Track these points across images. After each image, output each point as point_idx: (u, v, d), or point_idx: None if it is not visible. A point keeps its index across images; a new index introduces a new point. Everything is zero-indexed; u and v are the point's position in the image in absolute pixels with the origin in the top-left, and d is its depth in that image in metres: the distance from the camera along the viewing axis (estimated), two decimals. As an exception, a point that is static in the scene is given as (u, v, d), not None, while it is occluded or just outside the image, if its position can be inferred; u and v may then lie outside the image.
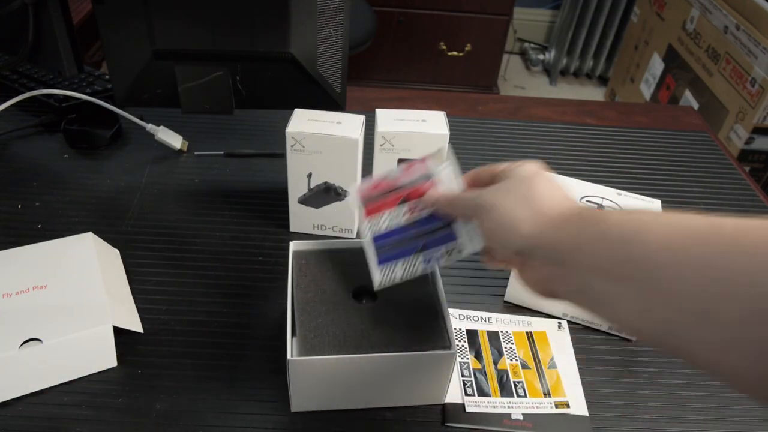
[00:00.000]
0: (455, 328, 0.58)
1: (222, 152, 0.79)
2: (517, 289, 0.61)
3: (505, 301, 0.62)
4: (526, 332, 0.58)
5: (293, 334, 0.50)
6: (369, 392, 0.50)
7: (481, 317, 0.60)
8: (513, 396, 0.52)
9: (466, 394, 0.52)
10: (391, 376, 0.49)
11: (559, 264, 0.37)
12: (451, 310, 0.59)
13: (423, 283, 0.54)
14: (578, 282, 0.36)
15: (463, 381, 0.53)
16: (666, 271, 0.31)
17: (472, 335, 0.58)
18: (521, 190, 0.40)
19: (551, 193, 0.40)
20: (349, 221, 0.67)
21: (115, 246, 0.63)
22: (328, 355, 0.47)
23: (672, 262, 0.31)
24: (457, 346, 0.56)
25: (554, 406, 0.52)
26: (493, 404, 0.51)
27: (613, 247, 0.34)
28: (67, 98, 0.81)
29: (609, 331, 0.59)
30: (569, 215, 0.38)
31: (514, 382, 0.53)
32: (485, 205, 0.41)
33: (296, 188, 0.65)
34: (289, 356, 0.46)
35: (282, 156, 0.79)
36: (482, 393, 0.52)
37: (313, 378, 0.47)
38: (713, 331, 0.29)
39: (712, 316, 0.29)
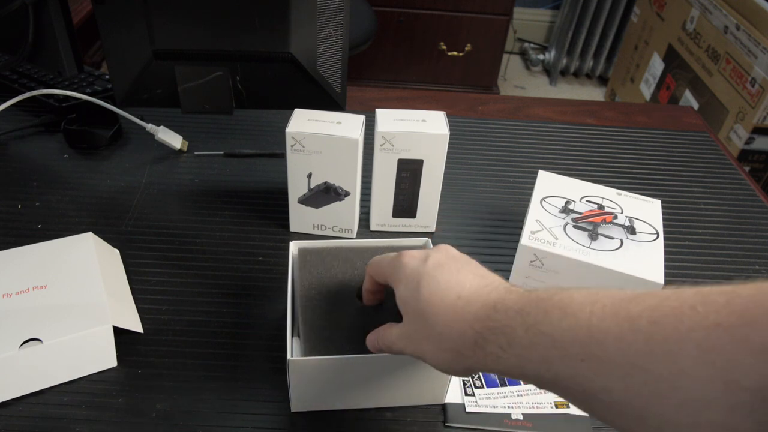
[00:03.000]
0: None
1: (222, 152, 0.79)
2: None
3: (505, 301, 0.62)
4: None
5: (294, 333, 0.50)
6: (369, 392, 0.50)
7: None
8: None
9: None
10: (392, 377, 0.49)
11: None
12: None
13: None
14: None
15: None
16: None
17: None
18: (417, 327, 0.38)
19: (442, 314, 0.37)
20: (349, 221, 0.67)
21: (115, 246, 0.64)
22: (330, 355, 0.47)
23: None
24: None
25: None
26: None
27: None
28: (67, 98, 0.81)
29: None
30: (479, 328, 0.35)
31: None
32: (415, 357, 0.40)
33: (296, 188, 0.65)
34: (289, 356, 0.46)
35: (282, 156, 0.79)
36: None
37: (313, 378, 0.47)
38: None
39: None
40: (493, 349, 0.34)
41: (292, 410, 0.50)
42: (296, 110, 0.64)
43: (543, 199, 0.64)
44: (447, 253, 0.41)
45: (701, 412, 0.25)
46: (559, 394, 0.33)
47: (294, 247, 0.56)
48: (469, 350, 0.35)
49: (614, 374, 0.28)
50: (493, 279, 0.38)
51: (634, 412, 0.28)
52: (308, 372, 0.47)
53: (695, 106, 1.87)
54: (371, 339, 0.45)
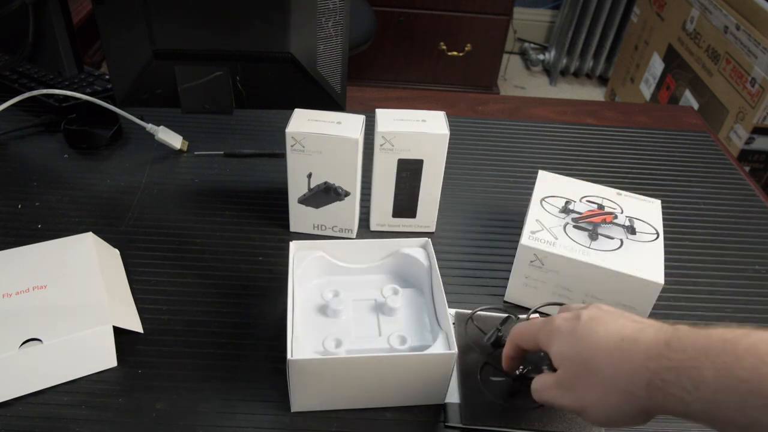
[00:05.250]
0: (455, 328, 0.58)
1: (222, 152, 0.79)
2: (517, 289, 0.61)
3: (505, 301, 0.62)
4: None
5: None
6: (369, 392, 0.50)
7: (481, 317, 0.59)
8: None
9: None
10: (391, 377, 0.49)
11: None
12: (450, 310, 0.59)
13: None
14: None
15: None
16: None
17: (472, 335, 0.58)
18: (578, 376, 0.37)
19: (611, 365, 0.36)
20: (349, 221, 0.67)
21: (115, 246, 0.63)
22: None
23: None
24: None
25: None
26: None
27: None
28: (67, 98, 0.81)
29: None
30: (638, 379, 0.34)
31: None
32: (574, 410, 0.39)
33: (296, 188, 0.65)
34: (289, 356, 0.46)
35: (282, 156, 0.79)
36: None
37: (313, 378, 0.47)
38: None
39: None
40: (676, 391, 0.32)
41: (292, 410, 0.50)
42: (296, 110, 0.64)
43: (543, 199, 0.64)
44: (599, 307, 0.41)
45: None
46: None
47: (294, 247, 0.56)
48: (643, 391, 0.34)
49: None
50: (652, 322, 0.37)
51: None
52: (308, 372, 0.47)
53: (695, 106, 1.87)
54: (534, 390, 0.45)
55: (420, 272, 0.57)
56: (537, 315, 0.59)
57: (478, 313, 0.58)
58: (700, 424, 0.33)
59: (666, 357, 0.33)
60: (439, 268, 0.55)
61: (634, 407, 0.34)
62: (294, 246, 0.56)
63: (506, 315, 0.56)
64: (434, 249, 0.57)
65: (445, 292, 0.52)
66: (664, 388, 0.33)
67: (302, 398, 0.49)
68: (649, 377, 0.33)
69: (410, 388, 0.50)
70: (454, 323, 0.57)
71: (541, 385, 0.42)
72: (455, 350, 0.48)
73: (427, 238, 0.58)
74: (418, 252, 0.57)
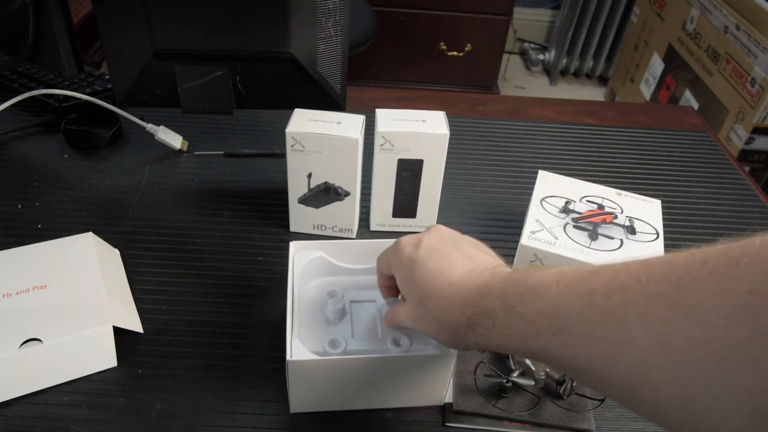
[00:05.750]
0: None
1: (222, 152, 0.79)
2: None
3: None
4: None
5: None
6: (368, 394, 0.50)
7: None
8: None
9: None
10: (391, 378, 0.49)
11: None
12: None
13: None
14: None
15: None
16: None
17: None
18: (418, 310, 0.42)
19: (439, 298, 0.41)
20: (349, 221, 0.67)
21: (115, 246, 0.63)
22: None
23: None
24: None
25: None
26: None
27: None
28: (67, 98, 0.81)
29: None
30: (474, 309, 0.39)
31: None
32: (415, 329, 0.44)
33: (296, 188, 0.65)
34: (288, 357, 0.46)
35: (282, 156, 0.79)
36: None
37: (312, 379, 0.47)
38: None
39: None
40: (482, 331, 0.38)
41: (292, 411, 0.50)
42: (296, 110, 0.64)
43: (543, 199, 0.64)
44: (438, 235, 0.44)
45: (647, 372, 0.29)
46: (540, 361, 0.39)
47: (294, 247, 0.56)
48: (463, 332, 0.39)
49: (578, 345, 0.32)
50: (480, 261, 0.42)
51: (597, 375, 0.32)
52: (307, 373, 0.47)
53: (695, 106, 1.87)
54: (388, 317, 0.49)
55: None
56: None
57: None
58: (503, 353, 0.45)
59: (477, 305, 0.38)
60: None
61: (461, 341, 0.40)
62: (294, 246, 0.56)
63: None
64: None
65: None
66: (475, 330, 0.38)
67: (301, 399, 0.49)
68: (466, 321, 0.38)
69: (410, 390, 0.50)
70: None
71: (397, 312, 0.47)
72: (454, 352, 0.48)
73: None
74: None
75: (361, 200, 0.69)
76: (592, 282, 0.32)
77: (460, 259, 0.42)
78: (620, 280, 0.31)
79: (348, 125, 0.61)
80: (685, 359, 0.27)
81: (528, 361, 0.51)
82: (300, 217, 0.67)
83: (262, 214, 0.70)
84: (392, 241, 0.57)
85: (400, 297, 0.50)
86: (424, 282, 0.41)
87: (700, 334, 0.26)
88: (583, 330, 0.31)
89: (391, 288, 0.50)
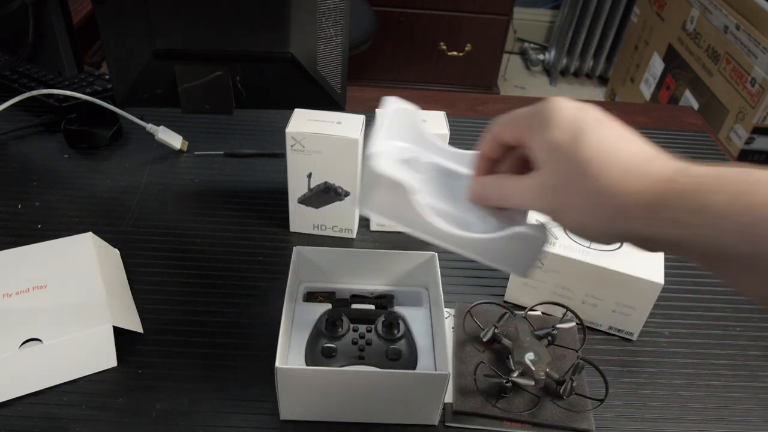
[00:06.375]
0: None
1: (222, 152, 0.79)
2: (517, 289, 0.61)
3: (505, 301, 0.62)
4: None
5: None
6: (357, 407, 0.49)
7: (481, 317, 0.60)
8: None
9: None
10: (381, 393, 0.48)
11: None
12: (450, 310, 0.59)
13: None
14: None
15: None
16: None
17: (472, 335, 0.58)
18: (568, 179, 0.32)
19: (614, 168, 0.32)
20: (349, 221, 0.66)
21: (115, 246, 0.63)
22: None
23: None
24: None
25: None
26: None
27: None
28: (67, 98, 0.81)
29: (609, 331, 0.59)
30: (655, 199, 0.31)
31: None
32: (548, 213, 0.35)
33: (296, 188, 0.65)
34: (277, 364, 0.45)
35: (282, 156, 0.79)
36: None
37: (300, 388, 0.47)
38: None
39: None
40: (677, 215, 0.30)
41: (281, 418, 0.50)
42: (296, 110, 0.64)
43: (543, 199, 0.64)
44: (603, 113, 0.35)
45: None
46: (747, 272, 0.29)
47: (296, 253, 0.56)
48: (639, 211, 0.31)
49: None
50: (667, 156, 0.34)
51: None
52: (295, 381, 0.46)
53: (695, 106, 1.87)
54: (491, 189, 0.38)
55: (426, 278, 0.57)
56: (537, 312, 0.59)
57: (477, 308, 0.58)
58: (687, 256, 0.31)
59: (675, 181, 0.31)
60: (440, 268, 0.55)
61: (617, 228, 0.32)
62: (297, 252, 0.55)
63: (504, 312, 0.56)
64: (435, 249, 0.57)
65: (445, 292, 0.52)
66: (660, 212, 0.30)
67: (290, 407, 0.49)
68: (651, 200, 0.31)
69: (400, 407, 0.49)
70: (453, 327, 0.57)
71: (506, 184, 0.37)
72: (449, 372, 0.46)
73: (433, 252, 0.57)
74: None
75: (361, 200, 0.69)
76: None
77: (640, 145, 0.34)
78: None
79: (348, 125, 0.61)
80: None
81: (528, 362, 0.51)
82: (300, 217, 0.67)
83: (262, 214, 0.70)
84: (394, 252, 0.57)
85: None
86: (597, 143, 0.32)
87: None
88: None
89: (489, 162, 0.40)
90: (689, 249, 0.31)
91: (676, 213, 0.30)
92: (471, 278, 0.64)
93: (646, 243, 0.33)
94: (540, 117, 0.35)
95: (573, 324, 0.57)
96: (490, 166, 0.40)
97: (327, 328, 0.51)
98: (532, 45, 2.72)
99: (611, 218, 0.32)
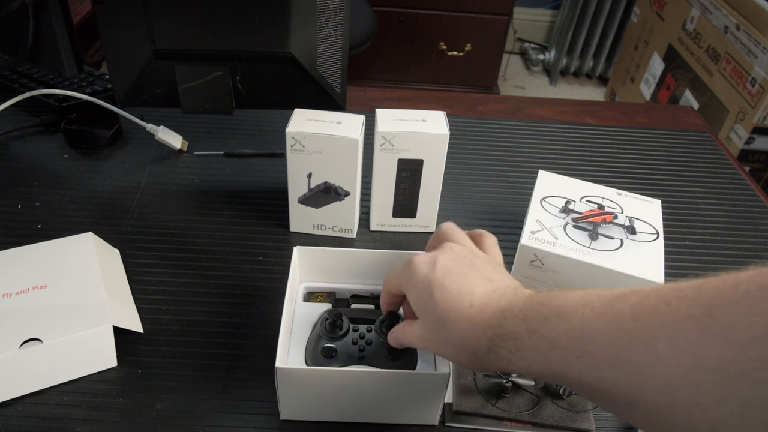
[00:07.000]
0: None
1: (222, 152, 0.79)
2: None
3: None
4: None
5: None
6: (357, 407, 0.49)
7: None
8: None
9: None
10: (381, 393, 0.47)
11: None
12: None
13: None
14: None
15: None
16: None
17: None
18: (435, 332, 0.41)
19: (457, 320, 0.40)
20: (349, 221, 0.66)
21: (115, 246, 0.63)
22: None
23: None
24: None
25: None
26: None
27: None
28: (67, 98, 0.81)
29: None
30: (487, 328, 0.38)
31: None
32: (427, 350, 0.45)
33: (296, 188, 0.65)
34: (277, 364, 0.45)
35: (282, 156, 0.79)
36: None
37: (300, 388, 0.47)
38: None
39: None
40: (504, 354, 0.37)
41: (281, 418, 0.50)
42: (296, 110, 0.64)
43: (543, 199, 0.64)
44: (453, 254, 0.43)
45: (677, 394, 0.28)
46: (562, 385, 0.37)
47: (296, 253, 0.56)
48: (484, 354, 0.38)
49: (605, 368, 0.32)
50: (500, 282, 0.41)
51: (623, 398, 0.31)
52: (295, 381, 0.46)
53: (695, 106, 1.87)
54: (393, 336, 0.47)
55: None
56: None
57: None
58: (526, 376, 0.44)
59: (500, 327, 0.37)
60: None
61: (481, 363, 0.39)
62: (297, 252, 0.55)
63: None
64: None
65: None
66: (497, 352, 0.37)
67: (290, 407, 0.48)
68: (488, 343, 0.38)
69: (400, 407, 0.49)
70: None
71: (405, 333, 0.45)
72: (449, 372, 0.46)
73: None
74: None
75: (361, 200, 0.69)
76: (619, 305, 0.32)
77: (478, 279, 0.41)
78: (649, 303, 0.31)
79: (348, 125, 0.61)
80: (717, 381, 0.27)
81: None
82: (300, 217, 0.67)
83: (262, 214, 0.70)
84: (394, 252, 0.57)
85: (402, 315, 0.50)
86: (443, 303, 0.40)
87: (733, 356, 0.26)
88: (611, 353, 0.31)
89: (391, 306, 0.49)
90: (529, 375, 0.40)
91: (504, 353, 0.37)
92: (471, 278, 0.64)
93: (517, 373, 0.43)
94: (405, 278, 0.44)
95: None
96: (393, 307, 0.50)
97: (327, 328, 0.51)
98: (532, 45, 2.73)
99: (473, 360, 0.39)
